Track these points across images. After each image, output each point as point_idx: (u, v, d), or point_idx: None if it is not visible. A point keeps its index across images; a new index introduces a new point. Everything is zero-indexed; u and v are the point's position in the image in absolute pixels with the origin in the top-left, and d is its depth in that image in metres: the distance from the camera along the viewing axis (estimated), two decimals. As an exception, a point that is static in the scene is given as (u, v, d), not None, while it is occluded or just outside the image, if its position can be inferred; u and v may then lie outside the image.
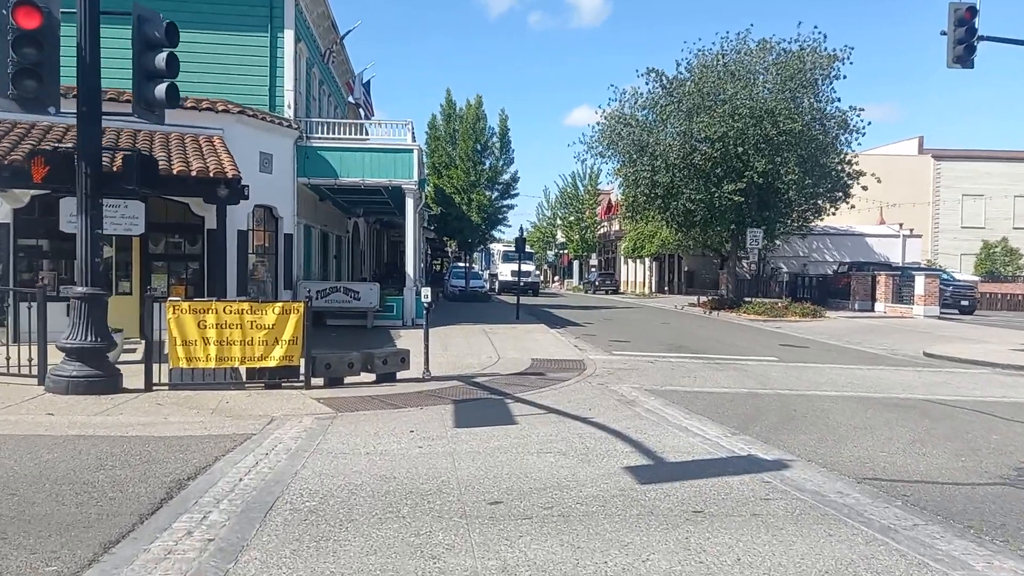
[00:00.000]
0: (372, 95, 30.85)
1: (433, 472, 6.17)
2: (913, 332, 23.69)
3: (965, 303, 33.08)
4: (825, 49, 30.08)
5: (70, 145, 11.37)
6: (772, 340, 20.90)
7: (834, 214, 34.33)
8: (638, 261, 57.77)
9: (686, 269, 52.61)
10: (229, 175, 14.22)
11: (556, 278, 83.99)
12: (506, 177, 39.56)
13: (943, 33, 17.30)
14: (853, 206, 33.46)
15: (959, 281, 36.04)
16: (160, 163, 13.99)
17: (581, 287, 64.74)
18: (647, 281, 57.10)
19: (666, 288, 54.45)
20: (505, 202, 40.18)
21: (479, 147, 37.74)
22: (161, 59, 9.73)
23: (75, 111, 9.74)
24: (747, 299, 32.92)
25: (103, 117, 11.75)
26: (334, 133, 21.16)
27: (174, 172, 13.83)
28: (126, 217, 13.69)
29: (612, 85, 47.14)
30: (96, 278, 9.82)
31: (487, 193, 38.26)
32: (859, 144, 32.19)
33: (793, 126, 28.29)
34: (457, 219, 38.17)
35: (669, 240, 45.96)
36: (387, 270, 44.95)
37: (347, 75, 29.19)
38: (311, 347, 10.83)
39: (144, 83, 9.76)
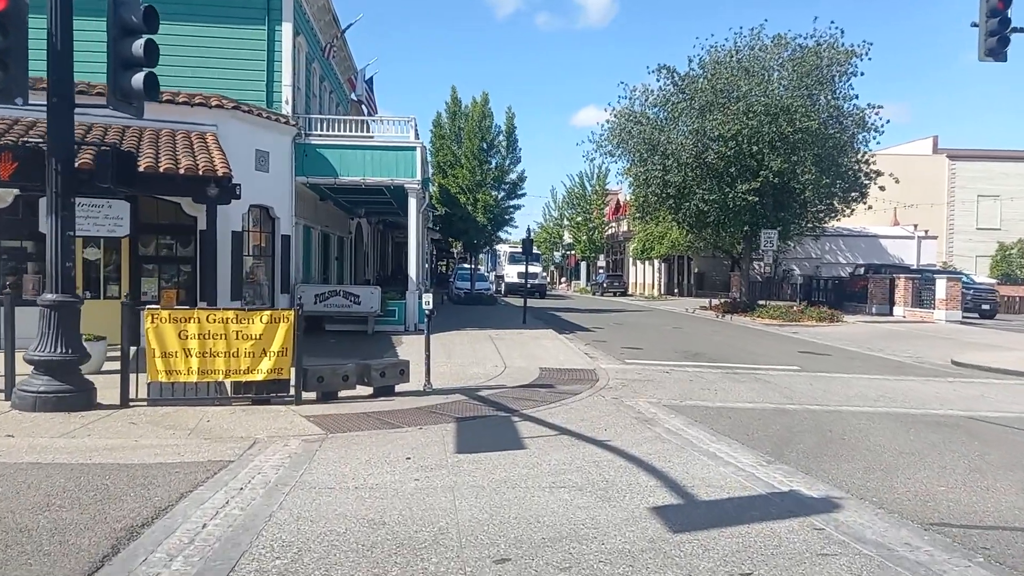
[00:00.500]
0: (376, 94, 30.07)
1: (430, 515, 5.33)
2: (936, 338, 22.77)
3: (986, 307, 32.08)
4: (842, 45, 29.17)
5: (39, 139, 10.55)
6: (790, 347, 20.00)
7: (850, 215, 33.40)
8: (647, 263, 56.86)
9: (696, 271, 51.68)
10: (220, 173, 13.41)
11: (563, 279, 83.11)
12: (512, 176, 38.64)
13: (974, 25, 16.38)
14: (870, 207, 32.52)
15: (979, 284, 35.03)
16: (146, 160, 13.24)
17: (588, 289, 63.82)
18: (656, 283, 56.18)
19: (675, 290, 53.52)
20: (511, 202, 39.29)
21: (485, 146, 36.84)
22: (139, 46, 8.91)
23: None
24: (761, 302, 32.00)
25: (89, 111, 11.05)
26: (334, 130, 20.33)
27: (161, 170, 13.02)
28: (110, 218, 12.93)
29: (622, 82, 46.44)
30: (67, 284, 9.01)
31: (493, 193, 37.36)
32: (877, 143, 31.29)
33: (810, 124, 27.38)
34: (462, 220, 37.30)
35: (679, 241, 45.07)
36: (392, 272, 44.20)
37: (349, 71, 28.37)
38: (304, 357, 10.02)
39: (121, 72, 8.95)
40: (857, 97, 30.03)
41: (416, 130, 20.93)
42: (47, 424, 8.11)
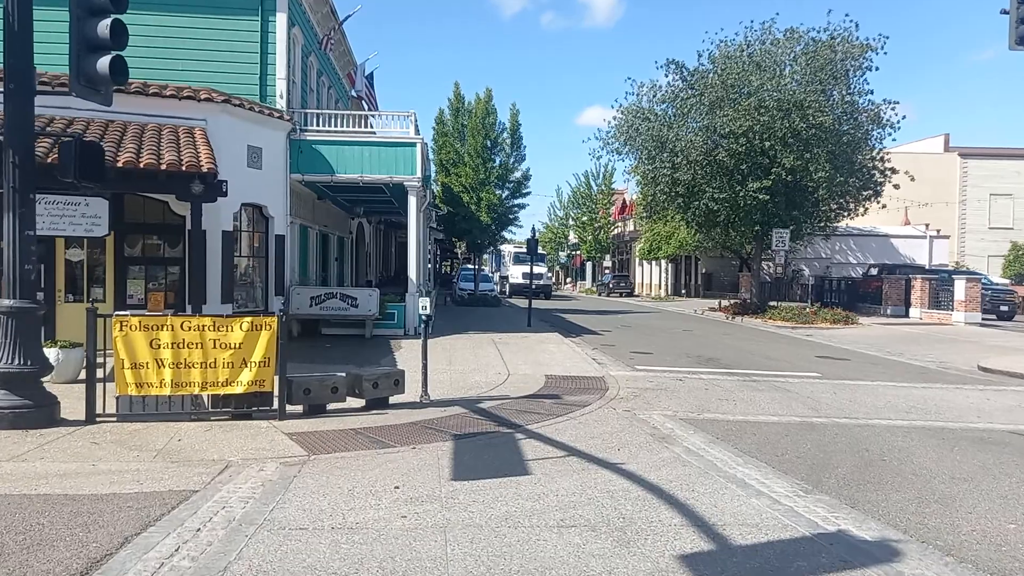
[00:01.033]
0: (377, 92, 29.21)
1: (416, 566, 4.48)
2: (957, 341, 21.87)
3: (1004, 308, 31.09)
4: (857, 38, 28.20)
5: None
6: (807, 351, 19.12)
7: (863, 214, 32.43)
8: (653, 263, 55.93)
9: (703, 271, 50.75)
10: (204, 168, 12.59)
11: (568, 280, 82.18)
12: (517, 175, 37.64)
13: (1004, 12, 15.50)
14: (884, 205, 31.58)
15: (997, 285, 34.07)
16: (126, 155, 12.45)
17: (594, 289, 62.87)
18: (663, 283, 55.25)
19: (683, 291, 52.58)
20: (516, 201, 38.23)
21: (489, 143, 35.87)
22: (104, 26, 8.08)
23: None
24: (771, 304, 31.08)
25: (72, 105, 10.27)
26: (331, 125, 19.48)
27: (141, 165, 12.22)
28: (87, 217, 12.07)
29: (629, 78, 45.27)
30: (26, 289, 8.20)
31: (497, 192, 36.36)
32: (893, 140, 30.31)
33: (824, 119, 26.41)
34: (466, 219, 36.35)
35: (687, 241, 44.14)
36: (395, 273, 43.36)
37: (349, 66, 27.52)
38: (295, 364, 9.22)
39: (85, 55, 8.11)
40: (872, 92, 29.08)
41: (416, 125, 20.07)
42: (-2, 444, 7.30)
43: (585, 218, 63.24)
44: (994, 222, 50.34)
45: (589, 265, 72.15)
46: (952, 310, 27.70)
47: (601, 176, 61.82)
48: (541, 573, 4.42)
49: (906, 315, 30.35)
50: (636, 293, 56.14)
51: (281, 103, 17.88)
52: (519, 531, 5.15)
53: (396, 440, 8.05)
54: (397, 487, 6.22)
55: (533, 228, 28.23)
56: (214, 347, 8.70)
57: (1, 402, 7.95)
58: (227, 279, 16.02)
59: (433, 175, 35.49)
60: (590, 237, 62.67)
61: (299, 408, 9.32)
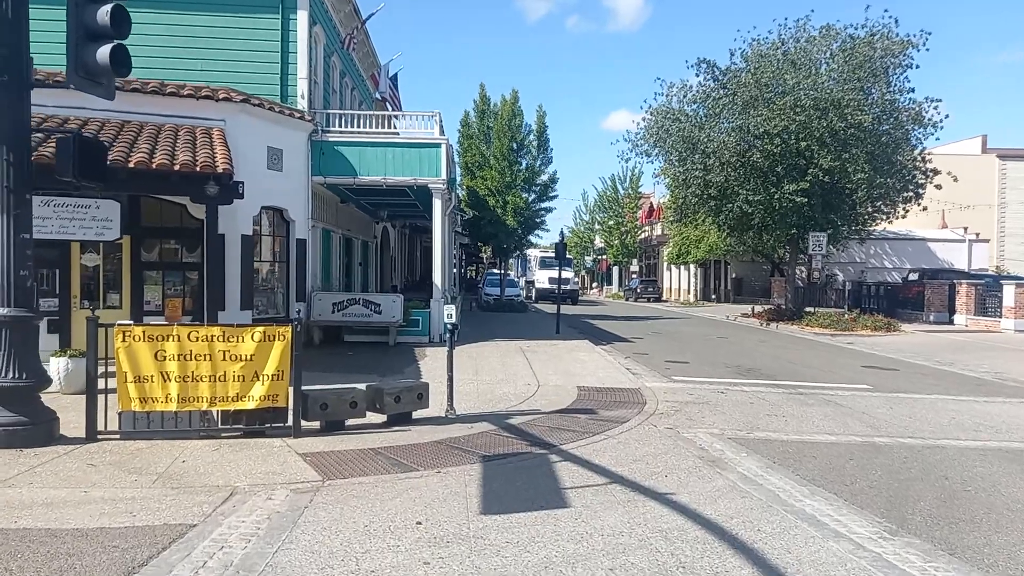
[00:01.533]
0: (401, 94, 28.64)
1: (442, 630, 3.75)
2: (1008, 350, 20.76)
3: (1054, 315, 29.73)
4: (897, 35, 27.11)
5: None
6: (850, 360, 18.14)
7: (903, 216, 31.25)
8: (682, 267, 54.87)
9: (733, 276, 49.61)
10: (219, 169, 11.99)
11: (594, 285, 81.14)
12: (544, 178, 36.79)
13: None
14: (925, 207, 30.41)
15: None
16: (138, 155, 11.88)
17: (621, 294, 61.84)
18: (692, 288, 54.14)
19: (712, 296, 51.44)
20: (543, 205, 37.38)
21: (515, 146, 35.10)
22: (104, 13, 7.47)
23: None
24: (808, 309, 29.99)
25: (87, 104, 9.71)
26: (353, 126, 18.85)
27: (153, 165, 11.63)
28: (97, 220, 11.58)
29: (659, 78, 44.21)
30: (21, 296, 7.59)
31: (523, 195, 35.56)
32: (937, 139, 29.10)
33: (863, 118, 25.35)
34: (491, 223, 35.60)
35: (718, 245, 43.08)
36: (420, 278, 42.78)
37: (372, 67, 26.96)
38: (315, 374, 8.53)
39: (84, 45, 7.50)
40: (913, 91, 28.02)
41: (441, 126, 19.39)
42: (-13, 466, 6.69)
43: (612, 222, 62.25)
44: (1035, 226, 48.73)
45: (616, 270, 71.13)
46: (1001, 317, 26.46)
47: (628, 179, 60.87)
48: (593, 645, 3.67)
49: (950, 322, 29.13)
50: (664, 298, 55.07)
51: (302, 103, 17.30)
52: (562, 583, 4.39)
53: (419, 462, 7.32)
54: (419, 522, 5.48)
55: (561, 232, 27.39)
56: (224, 359, 8.04)
57: (-6, 419, 7.35)
58: (246, 284, 15.45)
59: (458, 179, 34.83)
60: (616, 241, 61.66)
61: (316, 424, 8.65)
